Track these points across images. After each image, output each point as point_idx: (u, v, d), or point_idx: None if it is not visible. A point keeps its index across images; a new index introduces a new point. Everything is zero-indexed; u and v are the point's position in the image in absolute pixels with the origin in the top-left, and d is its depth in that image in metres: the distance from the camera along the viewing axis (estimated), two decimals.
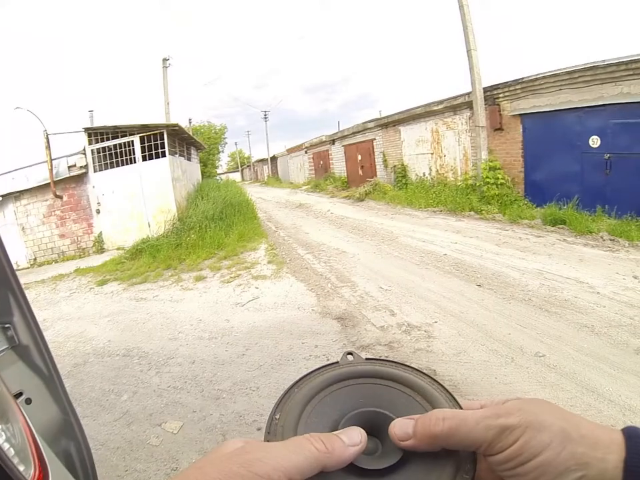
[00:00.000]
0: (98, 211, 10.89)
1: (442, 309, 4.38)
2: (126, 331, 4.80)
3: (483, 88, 11.08)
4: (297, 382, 0.44)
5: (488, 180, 10.55)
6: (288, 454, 0.34)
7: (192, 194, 13.32)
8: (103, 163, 10.94)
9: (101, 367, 3.89)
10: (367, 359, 0.48)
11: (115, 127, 10.78)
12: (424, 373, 0.45)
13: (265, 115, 53.45)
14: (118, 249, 10.00)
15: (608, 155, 8.43)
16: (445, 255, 6.54)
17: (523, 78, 10.17)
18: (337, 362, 0.47)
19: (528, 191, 10.46)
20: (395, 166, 16.35)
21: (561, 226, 8.09)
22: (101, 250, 10.75)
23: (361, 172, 19.68)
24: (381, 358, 0.47)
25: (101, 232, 10.93)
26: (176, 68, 25.88)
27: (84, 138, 10.78)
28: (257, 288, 5.76)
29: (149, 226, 10.49)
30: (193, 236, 8.64)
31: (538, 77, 9.69)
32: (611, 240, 7.02)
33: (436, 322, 4.05)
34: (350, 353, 0.49)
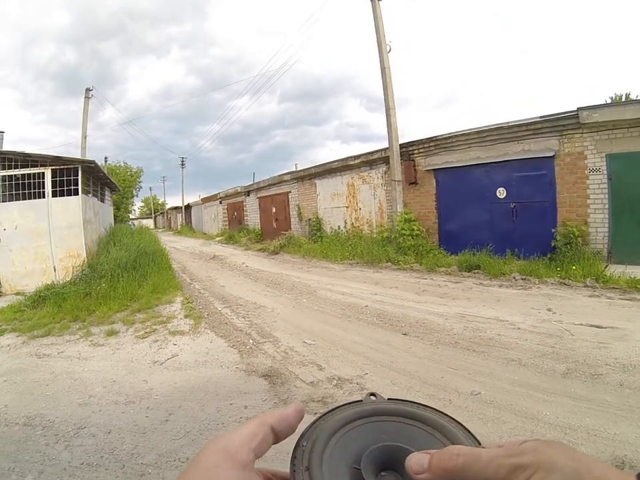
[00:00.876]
0: None
1: (371, 360, 4.47)
2: (26, 394, 4.18)
3: (399, 144, 11.96)
4: (323, 415, 0.47)
5: (404, 232, 11.19)
6: (251, 429, 0.41)
7: (104, 239, 12.51)
8: (7, 193, 9.88)
9: None
10: (389, 399, 0.50)
11: (27, 155, 9.85)
12: (443, 413, 0.47)
13: (182, 162, 52.68)
14: (17, 293, 8.88)
15: (513, 204, 9.70)
16: (367, 306, 6.74)
17: (436, 136, 11.30)
18: (361, 400, 0.50)
19: (443, 241, 11.33)
20: (310, 219, 16.74)
21: (476, 271, 8.85)
22: None
23: (275, 224, 19.89)
24: (403, 399, 0.50)
25: None
26: (98, 100, 24.49)
27: None
28: (175, 344, 5.46)
29: (55, 270, 9.56)
30: (103, 285, 8.00)
31: (450, 135, 10.88)
32: (522, 279, 7.91)
33: (367, 373, 4.11)
34: (373, 394, 0.51)
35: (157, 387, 4.17)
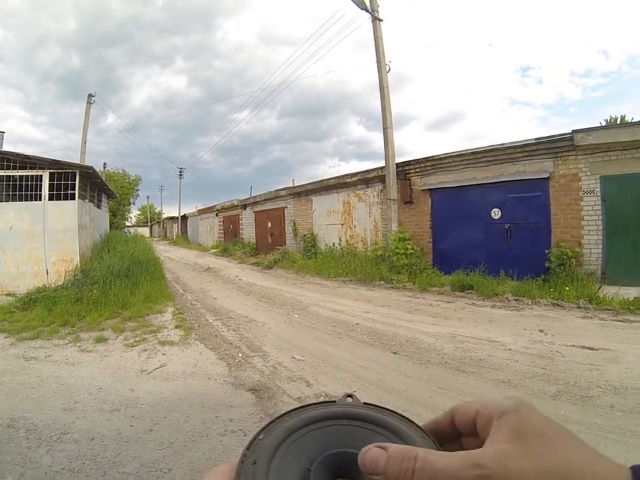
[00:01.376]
0: None
1: (359, 378, 4.44)
2: (11, 396, 4.14)
3: (396, 163, 12.02)
4: (290, 411, 0.45)
5: (398, 250, 11.17)
6: None
7: (98, 245, 12.49)
8: (4, 193, 9.87)
9: None
10: (364, 403, 0.47)
11: (25, 157, 9.91)
12: (421, 429, 0.43)
13: (181, 172, 52.88)
14: (8, 294, 8.84)
15: (508, 225, 9.75)
16: (358, 324, 6.71)
17: (433, 156, 11.40)
18: (335, 401, 0.48)
19: (436, 260, 11.33)
20: (305, 235, 16.74)
21: (469, 291, 8.84)
22: None
23: (270, 239, 19.89)
24: (382, 406, 0.46)
25: None
26: (99, 106, 24.74)
27: None
28: (164, 354, 5.41)
29: (47, 273, 9.54)
30: (95, 291, 7.94)
31: (447, 155, 10.98)
32: (515, 300, 7.89)
33: (355, 391, 4.03)
34: (349, 396, 0.49)
35: (143, 396, 4.12)
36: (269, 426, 0.43)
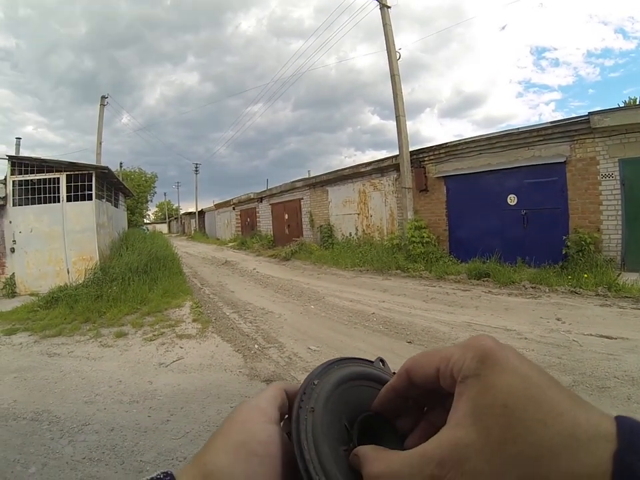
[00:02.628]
0: (12, 250, 10.00)
1: None
2: (35, 390, 4.32)
3: (410, 151, 11.94)
4: (337, 361, 0.46)
5: (414, 239, 11.14)
6: (273, 393, 0.44)
7: (116, 243, 12.76)
8: (24, 197, 10.18)
9: (4, 431, 3.45)
10: (393, 372, 0.47)
11: (42, 161, 10.26)
12: None
13: (196, 168, 53.34)
14: (31, 294, 9.09)
15: (524, 211, 9.58)
16: (373, 313, 6.71)
17: (446, 143, 11.28)
18: (372, 362, 0.49)
19: (453, 248, 11.24)
20: (321, 226, 16.75)
21: (485, 279, 8.74)
22: (12, 294, 9.79)
23: (287, 231, 19.92)
24: None
25: (13, 273, 10.02)
26: (113, 107, 25.17)
27: (7, 167, 10.06)
28: (182, 347, 5.53)
29: (68, 273, 9.83)
30: (115, 288, 8.17)
31: (460, 142, 10.84)
32: (532, 287, 7.78)
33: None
34: (382, 361, 0.50)
35: (161, 388, 4.23)
36: (321, 372, 0.44)
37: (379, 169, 13.74)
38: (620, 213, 8.18)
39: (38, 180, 10.22)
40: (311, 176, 18.73)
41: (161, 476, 0.36)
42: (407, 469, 0.31)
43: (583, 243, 8.26)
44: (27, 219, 10.06)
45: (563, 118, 8.84)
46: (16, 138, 18.68)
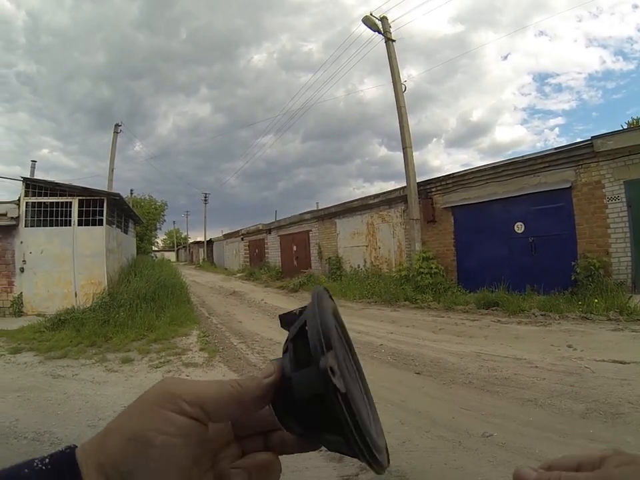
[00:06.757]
0: (22, 269, 10.11)
1: (381, 399, 4.32)
2: (38, 410, 4.27)
3: (417, 182, 12.00)
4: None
5: (422, 270, 11.06)
6: (205, 386, 0.38)
7: (125, 269, 12.84)
8: (36, 218, 10.38)
9: (4, 450, 3.39)
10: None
11: (56, 184, 10.54)
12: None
13: (206, 198, 54.02)
14: (38, 314, 9.19)
15: (532, 238, 9.52)
16: (382, 345, 6.61)
17: (453, 173, 11.37)
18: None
19: (461, 278, 11.13)
20: (330, 257, 16.71)
21: (494, 308, 8.63)
22: (19, 313, 9.86)
23: (295, 262, 19.87)
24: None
25: (21, 293, 10.09)
26: (126, 135, 25.70)
27: (21, 188, 10.32)
28: (188, 376, 5.45)
29: (76, 296, 9.89)
30: (122, 314, 8.17)
31: (467, 172, 10.91)
32: (542, 315, 7.65)
33: None
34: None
35: None
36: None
37: (387, 200, 13.82)
38: (628, 235, 8.12)
39: (51, 203, 10.45)
40: (319, 208, 18.86)
41: (67, 450, 0.35)
42: None
43: (592, 267, 8.17)
44: (38, 240, 10.22)
45: (567, 143, 8.94)
46: (31, 161, 19.19)
